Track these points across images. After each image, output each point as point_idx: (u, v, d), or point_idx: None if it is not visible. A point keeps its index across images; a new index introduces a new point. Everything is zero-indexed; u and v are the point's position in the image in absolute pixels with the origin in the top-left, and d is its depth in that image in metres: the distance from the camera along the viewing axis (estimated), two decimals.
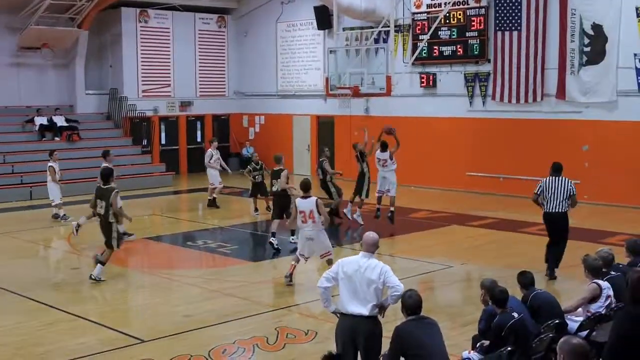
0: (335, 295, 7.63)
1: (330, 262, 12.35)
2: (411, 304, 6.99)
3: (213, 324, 10.53)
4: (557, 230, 12.80)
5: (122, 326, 10.52)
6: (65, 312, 11.14)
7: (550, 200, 12.66)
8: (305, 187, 12.30)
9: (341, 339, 7.47)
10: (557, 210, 12.63)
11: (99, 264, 12.92)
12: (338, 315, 7.65)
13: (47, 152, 24.49)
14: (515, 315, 7.51)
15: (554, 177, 12.77)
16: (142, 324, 10.81)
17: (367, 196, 17.93)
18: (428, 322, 7.02)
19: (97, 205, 12.98)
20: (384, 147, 17.78)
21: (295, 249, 14.24)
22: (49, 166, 18.85)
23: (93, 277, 12.86)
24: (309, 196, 12.18)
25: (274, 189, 15.86)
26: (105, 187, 13.00)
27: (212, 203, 21.01)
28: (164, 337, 9.97)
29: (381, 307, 7.44)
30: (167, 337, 9.97)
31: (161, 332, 10.16)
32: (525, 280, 8.50)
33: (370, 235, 7.66)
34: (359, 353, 7.43)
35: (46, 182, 23.21)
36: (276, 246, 15.00)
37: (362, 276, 7.35)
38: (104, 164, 16.18)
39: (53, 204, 19.02)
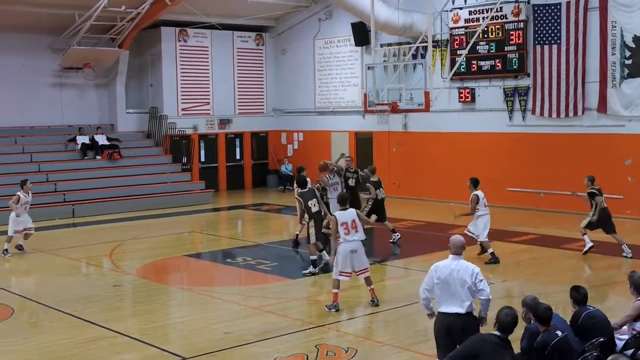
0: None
1: (368, 281, 12.25)
2: (506, 322, 7.15)
3: (253, 342, 10.52)
4: None
5: (163, 343, 10.56)
6: (107, 328, 11.23)
7: None
8: (343, 200, 12.42)
9: (439, 336, 8.04)
10: None
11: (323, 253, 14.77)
12: (432, 317, 8.36)
13: (90, 170, 25.16)
14: (559, 333, 7.38)
15: None
16: (182, 341, 10.84)
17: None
18: (507, 346, 7.13)
19: (311, 207, 14.54)
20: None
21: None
22: (16, 194, 17.25)
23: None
24: (347, 208, 12.22)
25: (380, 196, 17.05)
26: (308, 189, 15.07)
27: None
28: (204, 354, 9.98)
29: (481, 319, 8.07)
30: (207, 354, 9.98)
31: (201, 349, 10.19)
32: (579, 295, 8.23)
33: (457, 237, 8.30)
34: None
35: (90, 200, 23.71)
36: None
37: (456, 277, 7.95)
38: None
39: (8, 234, 17.21)
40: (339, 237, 12.00)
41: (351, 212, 12.13)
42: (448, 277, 7.98)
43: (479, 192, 15.77)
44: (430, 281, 8.13)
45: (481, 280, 7.94)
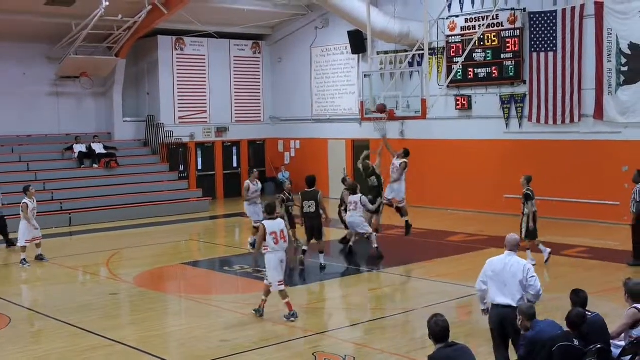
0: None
1: (284, 295, 12.00)
2: (438, 331, 6.91)
3: (250, 350, 10.51)
4: None
5: (160, 352, 10.55)
6: (104, 337, 11.21)
7: None
8: (271, 209, 12.36)
9: (493, 327, 8.63)
10: None
11: (321, 254, 15.67)
12: (485, 314, 8.88)
13: (87, 178, 25.16)
14: (576, 342, 7.36)
15: None
16: (180, 349, 10.83)
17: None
18: (460, 348, 6.94)
19: (304, 207, 15.42)
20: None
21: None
22: (23, 202, 17.15)
23: (322, 264, 15.68)
24: (275, 218, 12.14)
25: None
26: (311, 190, 15.46)
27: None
28: None
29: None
30: None
31: (198, 357, 10.18)
32: (579, 299, 8.30)
33: (513, 236, 8.91)
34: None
35: (87, 209, 23.68)
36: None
37: (509, 272, 8.50)
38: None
39: (18, 244, 17.30)
40: (267, 247, 11.81)
41: (279, 222, 12.00)
42: (501, 271, 8.53)
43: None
44: (485, 274, 8.67)
45: (532, 277, 8.46)
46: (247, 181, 18.66)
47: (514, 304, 8.34)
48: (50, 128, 26.70)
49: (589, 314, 8.16)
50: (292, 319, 11.80)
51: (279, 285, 11.90)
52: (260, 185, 18.96)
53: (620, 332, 8.40)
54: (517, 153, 22.60)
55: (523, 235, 15.19)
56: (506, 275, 8.49)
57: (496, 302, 8.52)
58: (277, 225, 11.93)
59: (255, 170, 20.30)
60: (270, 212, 12.25)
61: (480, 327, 11.40)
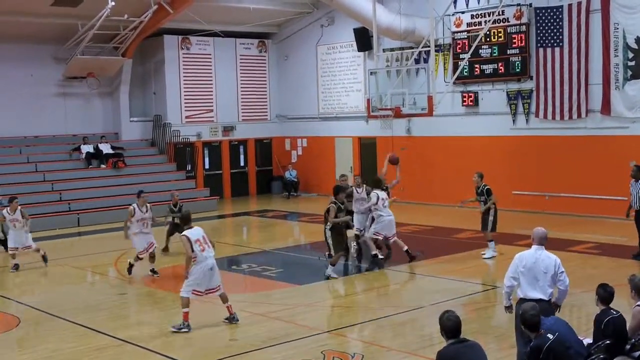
0: None
1: (224, 299, 11.85)
2: (450, 326, 6.85)
3: (259, 348, 10.53)
4: None
5: (169, 351, 10.57)
6: (113, 337, 11.24)
7: None
8: (187, 219, 11.95)
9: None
10: None
11: (330, 266, 14.83)
12: (509, 312, 8.85)
13: (95, 179, 25.20)
14: (550, 336, 7.30)
15: None
16: (189, 348, 10.84)
17: None
18: (471, 344, 6.89)
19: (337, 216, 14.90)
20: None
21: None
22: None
23: (326, 275, 14.76)
24: (192, 226, 11.75)
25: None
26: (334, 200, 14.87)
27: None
28: None
29: (555, 306, 8.59)
30: None
31: (207, 356, 10.20)
32: (606, 294, 8.13)
33: (540, 229, 8.80)
34: None
35: (95, 209, 23.72)
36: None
37: (541, 266, 8.51)
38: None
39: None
40: (196, 257, 11.46)
41: (199, 229, 11.69)
42: (533, 265, 8.50)
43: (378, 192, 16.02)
44: (516, 269, 8.60)
45: (562, 272, 8.52)
46: (134, 205, 15.94)
47: (546, 298, 8.39)
48: (57, 129, 26.79)
49: (614, 313, 8.03)
50: (233, 322, 11.73)
51: (193, 292, 11.58)
52: (150, 213, 16.09)
53: (634, 331, 8.31)
54: (524, 149, 22.57)
55: (490, 229, 16.09)
56: (538, 269, 8.50)
57: (528, 297, 8.44)
58: (198, 232, 11.62)
59: (143, 192, 17.04)
60: (186, 222, 11.84)
61: (489, 325, 11.41)
